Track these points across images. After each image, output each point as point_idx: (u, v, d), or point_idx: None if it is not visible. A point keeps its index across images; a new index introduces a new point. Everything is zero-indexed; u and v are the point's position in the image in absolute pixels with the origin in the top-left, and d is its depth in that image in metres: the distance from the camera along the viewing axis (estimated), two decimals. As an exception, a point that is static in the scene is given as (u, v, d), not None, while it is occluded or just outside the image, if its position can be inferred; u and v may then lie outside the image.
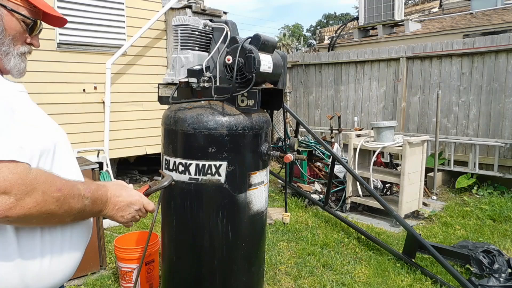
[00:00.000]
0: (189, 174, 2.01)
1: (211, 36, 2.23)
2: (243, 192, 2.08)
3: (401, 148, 4.46)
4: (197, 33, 2.18)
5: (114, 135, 5.73)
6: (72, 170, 1.17)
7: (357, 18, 11.30)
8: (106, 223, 4.15)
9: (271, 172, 5.05)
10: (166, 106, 2.25)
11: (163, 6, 6.06)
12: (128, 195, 1.23)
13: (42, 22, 1.22)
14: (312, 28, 44.67)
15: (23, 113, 1.03)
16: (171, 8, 6.07)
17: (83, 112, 5.49)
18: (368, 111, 7.35)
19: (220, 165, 2.00)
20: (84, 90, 5.48)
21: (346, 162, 4.93)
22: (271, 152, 2.15)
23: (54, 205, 0.97)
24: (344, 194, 4.98)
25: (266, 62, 2.05)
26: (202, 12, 6.14)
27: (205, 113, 2.00)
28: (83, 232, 1.19)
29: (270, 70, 2.10)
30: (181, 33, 2.17)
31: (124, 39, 5.80)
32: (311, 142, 6.07)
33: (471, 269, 3.14)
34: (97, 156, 4.94)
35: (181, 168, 2.03)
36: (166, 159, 2.12)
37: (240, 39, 2.05)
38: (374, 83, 7.22)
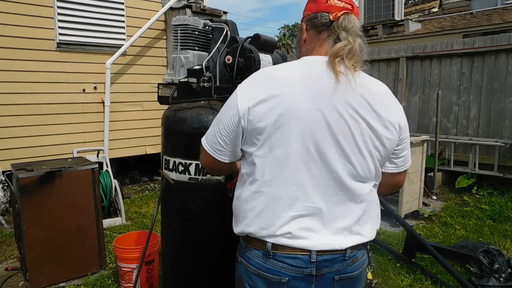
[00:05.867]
0: (189, 174, 2.01)
1: (211, 36, 2.22)
2: (243, 192, 2.08)
3: (401, 148, 4.45)
4: (197, 33, 2.18)
5: (114, 135, 5.73)
6: None
7: (357, 18, 11.29)
8: (106, 223, 4.15)
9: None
10: (166, 106, 2.25)
11: (163, 6, 6.06)
12: None
13: None
14: (312, 28, 44.57)
15: None
16: (171, 8, 6.07)
17: (83, 112, 5.50)
18: (368, 111, 7.34)
19: (220, 165, 1.99)
20: (84, 90, 5.49)
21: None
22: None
23: None
24: (344, 194, 4.97)
25: (266, 62, 2.05)
26: (202, 12, 6.14)
27: (205, 113, 2.00)
28: None
29: (270, 70, 2.10)
30: (181, 33, 2.17)
31: (124, 39, 5.80)
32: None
33: (471, 269, 3.13)
34: (97, 156, 4.93)
35: (181, 168, 2.03)
36: (166, 159, 2.12)
37: (240, 39, 2.04)
38: (374, 83, 7.22)
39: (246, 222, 1.23)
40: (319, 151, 1.14)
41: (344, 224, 1.18)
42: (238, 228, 1.28)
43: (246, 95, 1.18)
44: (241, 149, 1.25)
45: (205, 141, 1.30)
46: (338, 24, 1.18)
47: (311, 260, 1.15)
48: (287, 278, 1.17)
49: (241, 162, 1.31)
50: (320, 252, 1.15)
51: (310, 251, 1.15)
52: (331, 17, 1.20)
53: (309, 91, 1.14)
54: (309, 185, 1.15)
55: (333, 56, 1.15)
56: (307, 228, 1.16)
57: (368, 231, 1.24)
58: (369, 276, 1.38)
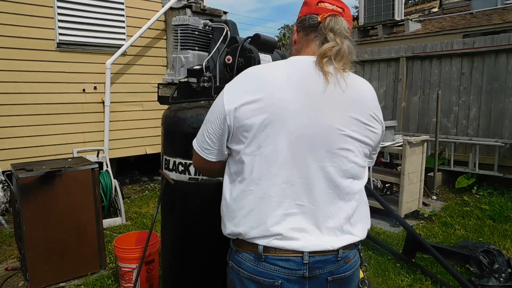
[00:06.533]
0: (189, 174, 2.01)
1: (211, 36, 2.22)
2: (243, 192, 2.07)
3: (401, 148, 4.46)
4: (197, 33, 2.18)
5: (114, 135, 5.73)
6: None
7: (357, 18, 11.29)
8: (106, 223, 4.15)
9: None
10: (166, 106, 2.25)
11: (163, 6, 6.06)
12: None
13: None
14: (312, 28, 44.52)
15: None
16: (171, 8, 6.07)
17: (83, 112, 5.49)
18: (368, 111, 7.34)
19: (220, 165, 1.99)
20: (84, 90, 5.48)
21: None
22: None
23: None
24: (344, 194, 4.97)
25: (266, 62, 2.05)
26: (202, 12, 6.14)
27: (205, 113, 1.97)
28: None
29: (270, 70, 2.09)
30: (181, 33, 2.17)
31: (124, 39, 5.80)
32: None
33: (471, 269, 3.13)
34: (97, 156, 4.93)
35: (181, 168, 2.03)
36: (166, 159, 2.12)
37: (240, 39, 2.04)
38: (374, 83, 7.21)
39: (235, 222, 1.22)
40: (309, 149, 1.14)
41: (335, 224, 1.17)
42: (226, 229, 1.27)
43: (233, 95, 1.18)
44: (229, 147, 1.25)
45: (195, 142, 1.35)
46: (325, 26, 1.20)
47: (304, 261, 1.14)
48: (280, 281, 1.15)
49: (228, 161, 1.30)
50: (312, 253, 1.14)
51: (302, 252, 1.14)
52: (319, 18, 1.21)
53: (298, 90, 1.15)
54: (298, 183, 1.15)
55: (320, 56, 1.16)
56: (299, 228, 1.15)
57: (359, 230, 1.24)
58: (362, 275, 1.37)
